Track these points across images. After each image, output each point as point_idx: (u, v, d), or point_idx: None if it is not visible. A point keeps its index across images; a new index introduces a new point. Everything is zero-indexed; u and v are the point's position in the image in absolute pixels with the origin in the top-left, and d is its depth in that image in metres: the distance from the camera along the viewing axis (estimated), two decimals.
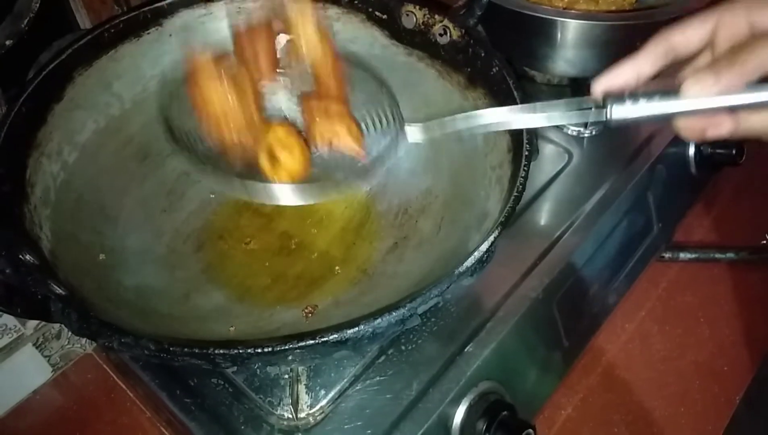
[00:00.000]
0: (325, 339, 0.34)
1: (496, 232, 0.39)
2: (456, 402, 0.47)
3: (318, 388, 0.47)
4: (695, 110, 0.35)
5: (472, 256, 0.38)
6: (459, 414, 0.47)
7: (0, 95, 0.52)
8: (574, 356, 0.59)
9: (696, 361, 0.65)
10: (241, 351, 0.34)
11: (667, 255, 0.71)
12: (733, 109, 0.35)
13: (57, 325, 0.63)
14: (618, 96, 0.36)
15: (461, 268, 0.38)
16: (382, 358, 0.48)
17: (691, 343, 0.66)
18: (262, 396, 0.46)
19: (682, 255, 0.71)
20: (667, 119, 0.36)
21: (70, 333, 0.64)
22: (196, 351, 0.34)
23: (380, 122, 0.47)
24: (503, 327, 0.50)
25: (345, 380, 0.47)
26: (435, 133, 0.43)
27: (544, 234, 0.57)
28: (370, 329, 0.35)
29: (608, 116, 0.36)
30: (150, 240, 0.51)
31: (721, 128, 0.36)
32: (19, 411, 0.62)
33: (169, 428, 0.57)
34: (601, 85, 0.38)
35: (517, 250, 0.55)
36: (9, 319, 0.61)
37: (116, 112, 0.53)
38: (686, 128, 0.37)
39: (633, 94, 0.36)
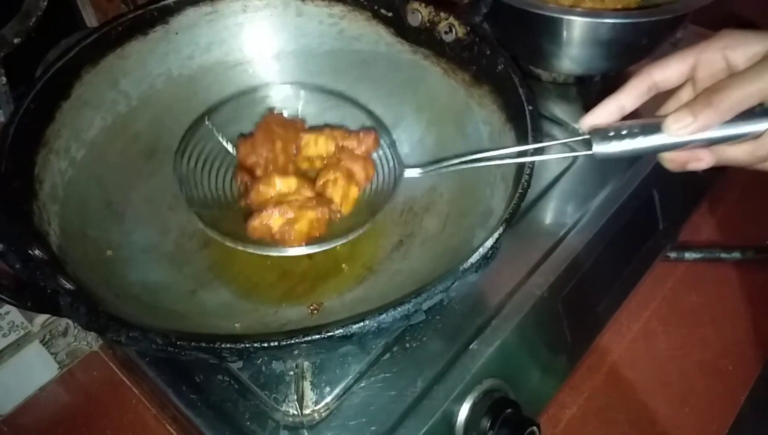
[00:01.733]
0: (330, 334, 0.34)
1: (501, 229, 0.39)
2: (460, 399, 0.47)
3: (323, 384, 0.47)
4: (675, 144, 0.37)
5: (477, 253, 0.38)
6: (463, 411, 0.47)
7: (8, 93, 0.52)
8: (578, 355, 0.59)
9: (701, 361, 0.65)
10: (247, 345, 0.34)
11: (673, 254, 0.70)
12: (711, 142, 0.37)
13: (63, 323, 0.64)
14: (603, 133, 0.38)
15: (466, 265, 0.38)
16: (387, 355, 0.49)
17: (696, 343, 0.66)
18: (267, 392, 0.47)
19: (687, 255, 0.71)
20: (648, 153, 0.39)
21: (76, 330, 0.65)
22: (203, 345, 0.34)
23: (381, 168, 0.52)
24: (508, 325, 0.50)
25: (350, 377, 0.47)
26: (432, 173, 0.47)
27: (549, 232, 0.57)
28: (375, 324, 0.35)
29: (594, 152, 0.38)
30: (157, 236, 0.51)
31: (701, 163, 0.39)
32: (26, 408, 0.62)
33: (175, 425, 0.58)
34: (587, 122, 0.40)
35: (522, 249, 0.55)
36: (16, 316, 0.61)
37: (123, 110, 0.54)
38: (670, 160, 0.40)
39: (617, 131, 0.38)
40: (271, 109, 0.57)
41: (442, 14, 0.53)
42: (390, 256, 0.52)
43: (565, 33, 0.59)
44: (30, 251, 0.39)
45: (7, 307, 0.61)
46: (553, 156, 0.44)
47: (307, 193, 0.50)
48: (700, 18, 0.62)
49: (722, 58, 0.38)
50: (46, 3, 0.53)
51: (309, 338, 0.34)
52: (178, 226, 0.53)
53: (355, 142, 0.53)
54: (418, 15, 0.54)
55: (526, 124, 0.45)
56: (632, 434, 0.60)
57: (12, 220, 0.41)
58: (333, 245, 0.46)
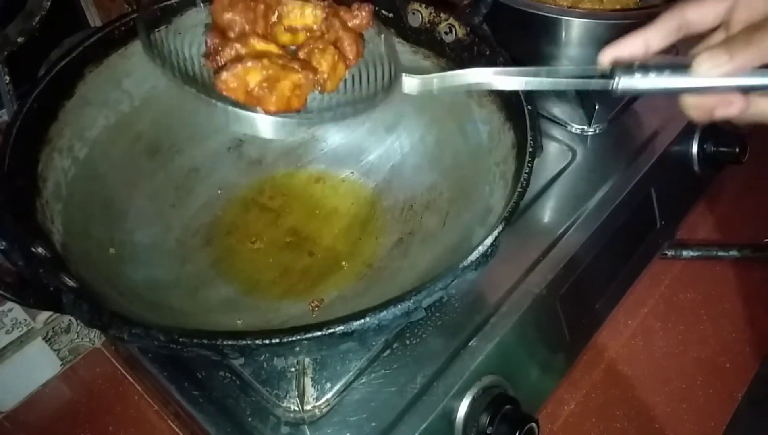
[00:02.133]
0: (331, 331, 0.35)
1: (500, 227, 0.40)
2: (460, 395, 0.47)
3: (324, 380, 0.47)
4: (705, 88, 0.34)
5: (476, 251, 0.39)
6: (463, 407, 0.48)
7: (12, 92, 0.53)
8: (577, 352, 0.59)
9: (698, 358, 0.65)
10: (249, 342, 0.35)
11: (670, 252, 0.71)
12: (743, 90, 0.34)
13: (66, 320, 0.64)
14: (627, 66, 0.35)
15: (465, 263, 0.38)
16: (387, 351, 0.49)
17: (694, 340, 0.67)
18: (269, 389, 0.47)
19: (685, 253, 0.72)
20: (675, 94, 0.35)
21: (79, 327, 0.65)
22: (205, 342, 0.35)
23: (378, 66, 0.46)
24: (507, 322, 0.51)
25: (350, 373, 0.48)
26: (432, 86, 0.42)
27: (547, 231, 0.57)
28: (376, 321, 0.36)
29: (615, 86, 0.35)
30: (159, 234, 0.52)
31: (731, 108, 0.35)
32: (29, 404, 0.63)
33: (177, 421, 0.58)
34: (608, 54, 0.37)
35: (520, 247, 0.56)
36: (19, 313, 0.62)
37: (126, 109, 0.54)
38: (694, 106, 0.36)
39: (643, 65, 0.35)
40: None
41: (443, 15, 0.54)
42: (390, 253, 0.52)
43: (563, 34, 0.60)
44: (33, 249, 0.40)
45: (10, 304, 0.62)
46: (564, 86, 0.40)
47: (287, 57, 0.43)
48: None
49: (765, 2, 0.34)
50: (49, 3, 0.54)
51: (310, 335, 0.35)
52: (181, 224, 0.53)
53: (348, 15, 0.47)
54: (419, 16, 0.55)
55: (525, 123, 0.45)
56: (630, 430, 0.60)
57: (15, 218, 0.41)
58: (318, 122, 0.44)
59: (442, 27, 0.54)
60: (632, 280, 0.64)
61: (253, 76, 0.41)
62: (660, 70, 0.34)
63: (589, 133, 0.65)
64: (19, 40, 0.53)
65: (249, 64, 0.41)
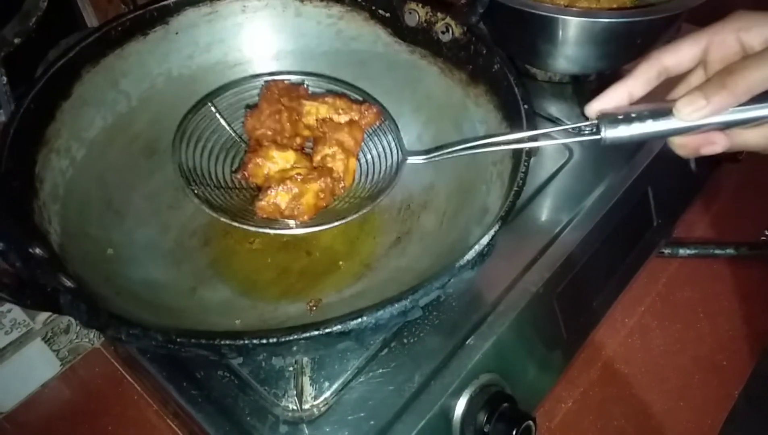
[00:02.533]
0: (328, 330, 0.35)
1: (497, 226, 0.40)
2: (457, 394, 0.48)
3: (322, 380, 0.47)
4: (687, 129, 0.36)
5: (473, 250, 0.39)
6: (460, 406, 0.48)
7: (9, 93, 0.53)
8: (574, 350, 0.59)
9: (695, 356, 0.65)
10: (246, 342, 0.35)
11: (667, 251, 0.71)
12: (726, 126, 0.36)
13: (65, 320, 0.64)
14: (611, 118, 0.37)
15: (462, 262, 0.38)
16: (385, 350, 0.49)
17: (691, 338, 0.67)
18: (267, 388, 0.47)
19: (681, 251, 0.72)
20: (660, 138, 0.37)
21: (78, 327, 0.65)
22: (203, 342, 0.35)
23: (384, 154, 0.52)
24: (504, 320, 0.51)
25: (348, 372, 0.48)
26: (434, 160, 0.47)
27: (544, 229, 0.57)
28: (373, 320, 0.36)
29: (603, 137, 0.37)
30: (157, 235, 0.52)
31: (715, 147, 0.37)
32: (29, 404, 0.63)
33: (176, 420, 0.58)
34: (594, 108, 0.39)
35: (517, 245, 0.56)
36: (18, 314, 0.62)
37: (123, 109, 0.54)
38: (681, 146, 0.38)
39: (626, 115, 0.37)
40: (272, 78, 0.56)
41: (439, 14, 0.54)
42: (388, 253, 0.53)
43: (560, 32, 0.60)
44: (30, 250, 0.40)
45: (9, 305, 0.62)
46: (559, 141, 0.43)
47: (306, 165, 0.50)
48: (695, 17, 0.63)
49: (736, 41, 0.36)
50: (46, 3, 0.54)
51: (307, 335, 0.35)
52: (179, 225, 0.53)
53: (357, 115, 0.53)
54: (416, 15, 0.55)
55: (522, 122, 0.46)
56: (628, 428, 0.60)
57: (12, 218, 0.42)
58: (346, 220, 0.47)
59: (439, 26, 0.54)
60: (629, 278, 0.65)
61: (283, 198, 0.48)
62: (643, 119, 0.37)
63: (586, 131, 0.65)
64: (16, 40, 0.53)
65: (277, 191, 0.47)
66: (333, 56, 0.60)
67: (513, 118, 0.48)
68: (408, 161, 0.50)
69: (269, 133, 0.52)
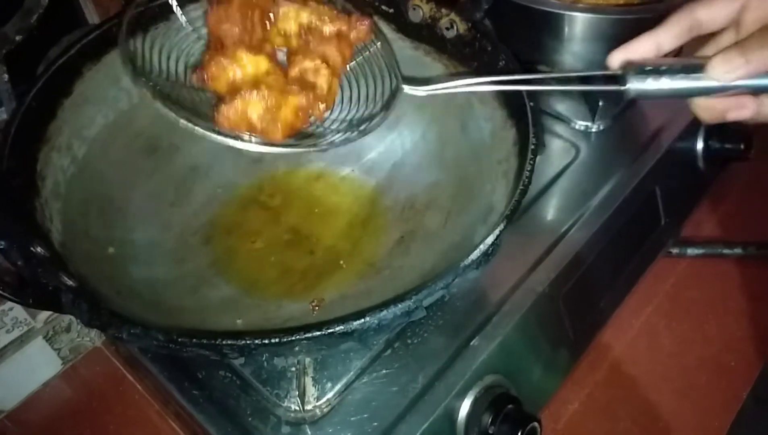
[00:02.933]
0: (331, 330, 0.35)
1: (502, 226, 0.39)
2: (461, 395, 0.47)
3: (325, 380, 0.47)
4: (718, 89, 0.33)
5: (478, 250, 0.38)
6: (464, 407, 0.47)
7: (10, 90, 0.53)
8: (580, 351, 0.59)
9: (703, 357, 0.65)
10: (248, 342, 0.35)
11: (675, 250, 0.70)
12: (754, 91, 0.34)
13: (67, 319, 0.64)
14: (639, 69, 0.35)
15: (467, 261, 0.38)
16: (389, 351, 0.49)
17: (699, 339, 0.66)
18: (269, 388, 0.47)
19: (689, 250, 0.71)
20: (686, 96, 0.35)
21: (79, 326, 0.65)
22: (204, 342, 0.35)
23: (375, 80, 0.46)
24: (509, 321, 0.50)
25: (351, 373, 0.47)
26: (437, 91, 0.42)
27: (550, 229, 0.57)
28: (376, 321, 0.35)
29: (627, 90, 0.35)
30: (159, 233, 0.52)
31: (744, 111, 0.35)
32: (30, 403, 0.62)
33: (178, 421, 0.58)
34: (618, 56, 0.37)
35: (523, 245, 0.55)
36: (20, 312, 0.61)
37: (125, 107, 0.54)
38: (705, 108, 0.36)
39: (655, 68, 0.34)
40: None
41: (444, 10, 0.53)
42: (391, 252, 0.52)
43: (567, 29, 0.59)
44: (32, 248, 0.39)
45: (10, 304, 0.61)
46: (575, 87, 0.40)
47: (281, 77, 0.43)
48: None
49: None
50: (47, 0, 0.53)
51: (310, 335, 0.35)
52: (180, 223, 0.53)
53: (346, 26, 0.46)
54: (420, 11, 0.54)
55: (527, 120, 0.45)
56: (634, 430, 0.60)
57: (14, 217, 0.41)
58: (322, 148, 0.42)
59: (443, 22, 0.53)
60: (636, 278, 0.64)
61: (255, 107, 0.40)
62: (672, 72, 0.34)
63: (593, 130, 0.65)
64: (18, 38, 0.53)
65: (249, 95, 0.39)
66: None
67: (518, 116, 0.47)
68: (405, 91, 0.44)
69: (236, 30, 0.43)
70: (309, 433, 0.45)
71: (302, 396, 0.46)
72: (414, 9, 0.55)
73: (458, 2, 0.55)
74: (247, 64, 0.42)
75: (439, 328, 0.50)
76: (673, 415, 0.60)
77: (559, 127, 0.66)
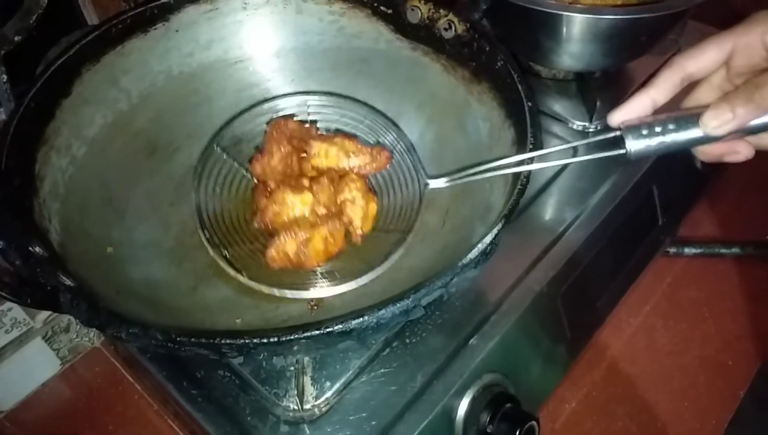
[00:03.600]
0: (329, 329, 0.35)
1: (500, 225, 0.39)
2: (460, 394, 0.47)
3: (323, 380, 0.47)
4: (713, 139, 0.36)
5: (476, 249, 0.38)
6: (463, 406, 0.47)
7: (9, 91, 0.53)
8: (578, 350, 0.59)
9: (701, 356, 0.65)
10: (247, 341, 0.35)
11: (672, 250, 0.71)
12: (751, 132, 0.36)
13: (65, 319, 0.64)
14: (635, 131, 0.37)
15: (465, 261, 0.38)
16: (387, 350, 0.49)
17: (696, 338, 0.66)
18: (268, 388, 0.47)
19: (687, 250, 0.71)
20: (684, 149, 0.37)
21: (78, 327, 0.65)
22: (203, 341, 0.35)
23: (403, 183, 0.53)
24: (507, 320, 0.50)
25: (350, 372, 0.48)
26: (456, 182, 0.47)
27: (548, 228, 0.57)
28: (375, 320, 0.35)
29: (628, 151, 0.37)
30: (158, 233, 0.52)
31: (738, 156, 0.38)
32: (29, 403, 0.63)
33: (176, 420, 0.58)
34: (617, 117, 0.38)
35: (521, 245, 0.55)
36: (19, 313, 0.61)
37: (124, 107, 0.54)
38: (704, 153, 0.39)
39: (650, 128, 0.36)
40: (279, 115, 0.57)
41: (442, 11, 0.53)
42: (389, 252, 0.52)
43: (564, 29, 0.59)
44: (30, 248, 0.39)
45: (9, 304, 0.61)
46: (582, 158, 0.43)
47: (320, 209, 0.50)
48: (700, 14, 0.62)
49: (762, 45, 0.36)
50: (46, 1, 0.53)
51: (308, 334, 0.35)
52: (179, 223, 0.53)
53: (368, 158, 0.53)
54: (418, 12, 0.54)
55: (525, 120, 0.45)
56: (632, 428, 0.60)
57: (12, 217, 0.41)
58: (370, 278, 0.47)
59: (442, 23, 0.54)
60: (634, 277, 0.64)
61: (290, 245, 0.47)
62: (668, 131, 0.36)
63: (591, 129, 0.65)
64: (17, 38, 0.53)
65: (282, 238, 0.47)
66: (334, 53, 0.59)
67: (516, 116, 0.47)
68: (430, 186, 0.50)
69: (279, 176, 0.52)
70: (308, 432, 0.45)
71: (301, 395, 0.46)
72: (412, 10, 0.55)
73: (456, 3, 0.55)
74: (296, 204, 0.50)
75: (437, 328, 0.50)
76: (671, 414, 0.61)
77: (556, 127, 0.66)
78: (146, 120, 0.55)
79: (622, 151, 0.37)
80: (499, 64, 0.49)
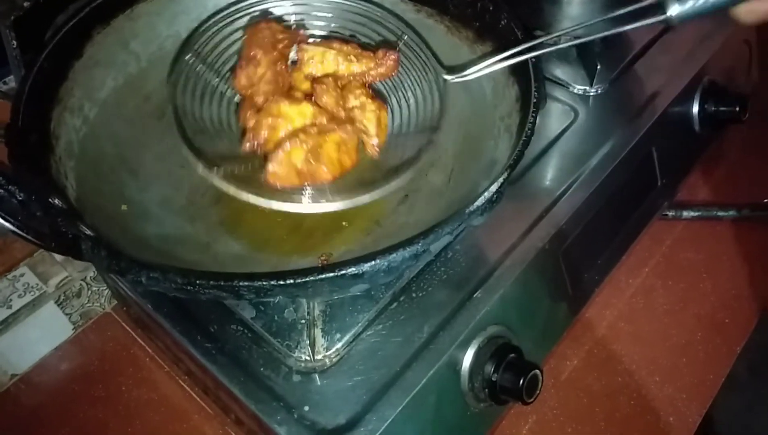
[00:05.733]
0: (343, 272, 0.36)
1: (506, 174, 0.41)
2: (465, 345, 0.49)
3: (333, 332, 0.48)
4: None
5: (482, 197, 0.40)
6: (468, 356, 0.49)
7: (19, 57, 0.53)
8: (579, 306, 0.60)
9: (698, 314, 0.66)
10: (264, 283, 0.36)
11: (671, 213, 0.72)
12: None
13: (78, 284, 0.65)
14: None
15: (472, 208, 0.39)
16: (395, 304, 0.50)
17: (694, 297, 0.68)
18: (280, 340, 0.48)
19: (685, 213, 0.73)
20: (727, 6, 0.35)
21: (90, 292, 0.66)
22: (222, 283, 0.36)
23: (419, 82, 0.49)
24: (511, 275, 0.52)
25: (359, 325, 0.49)
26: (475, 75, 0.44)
27: (549, 189, 0.58)
28: (386, 263, 0.37)
29: (669, 16, 0.35)
30: (170, 192, 0.52)
31: None
32: (42, 366, 0.64)
33: (189, 379, 0.60)
34: None
35: (523, 204, 0.56)
36: (31, 278, 0.63)
37: (134, 71, 0.55)
38: (748, 12, 0.36)
39: None
40: (260, 16, 0.51)
41: None
42: (396, 210, 0.53)
43: None
44: (50, 200, 0.41)
45: (22, 269, 0.63)
46: (620, 29, 0.40)
47: (323, 119, 0.44)
48: None
49: None
50: None
51: (323, 276, 0.36)
52: (190, 183, 0.54)
53: (372, 63, 0.46)
54: None
55: (529, 76, 0.46)
56: (632, 384, 0.62)
57: (32, 172, 0.42)
58: (403, 177, 0.43)
59: None
60: (633, 238, 0.65)
61: (297, 154, 0.40)
62: None
63: (591, 93, 0.66)
64: (26, 4, 0.53)
65: (287, 146, 0.40)
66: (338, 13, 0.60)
67: (520, 73, 0.48)
68: (449, 81, 0.46)
69: (269, 87, 0.45)
70: (318, 381, 0.47)
71: (312, 346, 0.47)
72: None
73: None
74: (294, 117, 0.42)
75: (443, 282, 0.51)
76: (670, 370, 0.62)
77: (557, 91, 0.67)
78: (155, 83, 0.56)
79: (661, 18, 0.35)
80: (502, 23, 0.50)
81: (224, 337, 0.49)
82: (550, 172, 0.60)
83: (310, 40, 0.52)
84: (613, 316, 0.66)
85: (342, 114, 0.45)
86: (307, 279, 0.36)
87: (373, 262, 0.36)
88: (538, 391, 0.48)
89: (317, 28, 0.54)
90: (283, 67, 0.46)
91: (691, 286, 0.69)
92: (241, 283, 0.36)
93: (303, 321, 0.48)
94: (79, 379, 0.63)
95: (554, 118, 0.64)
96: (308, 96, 0.46)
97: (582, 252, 0.59)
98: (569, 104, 0.65)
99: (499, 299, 0.51)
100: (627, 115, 0.64)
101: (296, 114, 0.44)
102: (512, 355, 0.49)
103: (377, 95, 0.49)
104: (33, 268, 0.63)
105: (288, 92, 0.46)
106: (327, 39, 0.51)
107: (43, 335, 0.65)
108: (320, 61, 0.46)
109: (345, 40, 0.50)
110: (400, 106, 0.50)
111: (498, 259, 0.53)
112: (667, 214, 0.71)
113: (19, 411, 0.61)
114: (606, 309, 0.66)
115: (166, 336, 0.53)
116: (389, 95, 0.52)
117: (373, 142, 0.44)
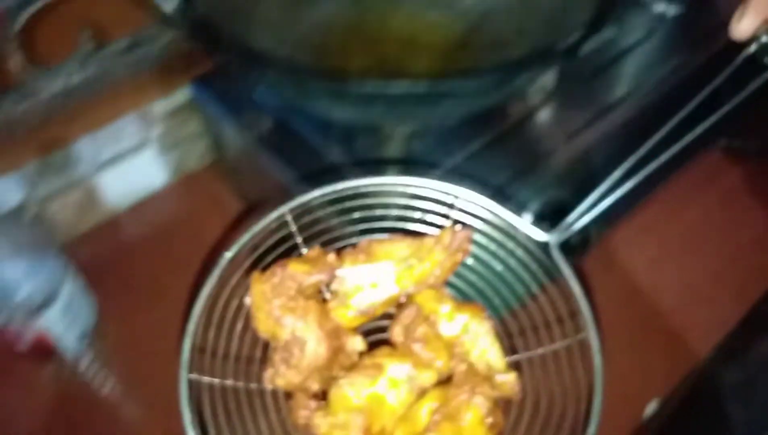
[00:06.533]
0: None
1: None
2: None
3: None
4: None
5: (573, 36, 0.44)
6: None
7: None
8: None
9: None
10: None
11: (725, 146, 0.74)
12: None
13: (177, 135, 0.70)
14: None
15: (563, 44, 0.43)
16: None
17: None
18: None
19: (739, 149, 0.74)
20: None
21: (186, 145, 0.72)
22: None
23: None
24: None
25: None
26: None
27: (618, 90, 0.61)
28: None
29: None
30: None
31: None
32: (138, 208, 0.70)
33: None
34: (747, 23, 0.35)
35: (594, 96, 0.60)
36: (137, 124, 0.68)
37: None
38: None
39: None
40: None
41: None
42: None
43: None
44: None
45: (131, 117, 0.68)
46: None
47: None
48: None
49: None
50: None
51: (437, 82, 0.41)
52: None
53: (443, 253, 0.34)
54: None
55: None
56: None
57: None
58: None
59: None
60: (683, 162, 0.68)
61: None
62: None
63: (670, 13, 0.68)
64: None
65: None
66: None
67: None
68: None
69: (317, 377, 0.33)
70: None
71: None
72: None
73: None
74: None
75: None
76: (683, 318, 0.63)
77: (634, 13, 0.69)
78: None
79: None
80: None
81: None
82: (625, 75, 0.63)
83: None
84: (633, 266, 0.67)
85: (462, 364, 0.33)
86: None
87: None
88: None
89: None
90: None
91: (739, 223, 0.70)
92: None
93: None
94: (171, 224, 0.68)
95: (629, 32, 0.66)
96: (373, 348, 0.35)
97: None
98: (647, 23, 0.67)
99: None
100: (700, 40, 0.66)
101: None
102: None
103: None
104: (140, 116, 0.68)
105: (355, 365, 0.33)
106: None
107: (142, 179, 0.70)
108: (371, 283, 0.32)
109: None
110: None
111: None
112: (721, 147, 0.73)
113: (116, 245, 0.67)
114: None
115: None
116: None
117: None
